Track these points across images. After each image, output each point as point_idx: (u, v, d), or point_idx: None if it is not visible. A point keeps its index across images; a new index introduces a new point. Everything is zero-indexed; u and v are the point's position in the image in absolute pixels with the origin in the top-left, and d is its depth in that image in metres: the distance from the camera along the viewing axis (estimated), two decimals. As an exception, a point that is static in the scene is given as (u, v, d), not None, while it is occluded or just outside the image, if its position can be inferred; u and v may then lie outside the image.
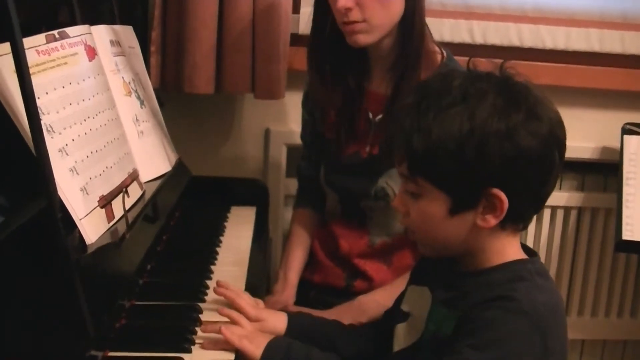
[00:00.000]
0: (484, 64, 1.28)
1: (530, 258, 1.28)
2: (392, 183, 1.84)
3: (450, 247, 1.27)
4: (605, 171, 2.64)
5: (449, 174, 1.18)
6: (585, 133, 2.60)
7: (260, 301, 1.53)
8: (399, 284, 1.79)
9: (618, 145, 2.43)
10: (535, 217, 2.58)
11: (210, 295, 1.53)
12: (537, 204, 1.26)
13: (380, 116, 1.89)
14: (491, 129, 1.15)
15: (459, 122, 1.15)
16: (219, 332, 1.35)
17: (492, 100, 1.17)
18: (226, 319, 1.43)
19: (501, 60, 1.27)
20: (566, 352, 1.24)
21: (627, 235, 2.23)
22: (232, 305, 1.48)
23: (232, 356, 1.33)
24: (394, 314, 1.43)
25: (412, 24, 1.78)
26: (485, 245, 1.25)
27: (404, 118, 1.22)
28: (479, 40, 2.48)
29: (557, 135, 1.20)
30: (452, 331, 1.21)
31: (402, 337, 1.37)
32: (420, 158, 1.19)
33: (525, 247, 1.30)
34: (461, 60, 1.90)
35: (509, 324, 1.15)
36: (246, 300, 1.49)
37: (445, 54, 1.88)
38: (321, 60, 1.90)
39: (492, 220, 1.20)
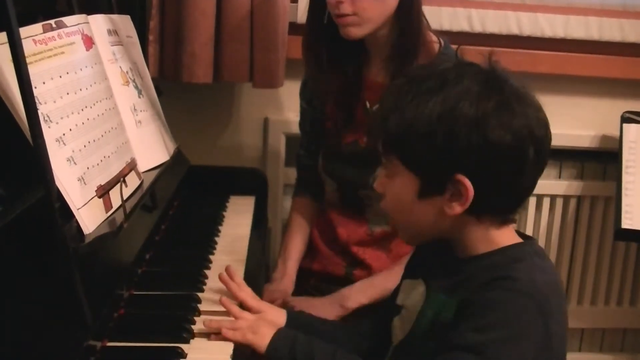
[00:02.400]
0: (471, 53, 1.29)
1: (526, 241, 1.29)
2: (390, 172, 1.84)
3: (422, 232, 1.29)
4: (604, 159, 2.65)
5: (419, 156, 1.20)
6: (584, 121, 2.60)
7: (257, 297, 1.53)
8: (399, 267, 1.77)
9: (617, 133, 2.43)
10: (534, 205, 2.62)
11: (209, 284, 1.54)
12: (512, 199, 1.25)
13: (377, 106, 1.88)
14: (460, 114, 1.16)
15: (431, 106, 1.17)
16: (220, 331, 1.35)
17: (466, 87, 1.18)
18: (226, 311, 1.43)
19: (489, 50, 1.27)
20: (566, 333, 1.25)
21: (626, 223, 2.23)
22: (233, 297, 1.48)
23: (230, 346, 1.33)
24: (390, 309, 1.43)
25: (409, 14, 1.78)
26: (466, 235, 1.25)
27: (385, 98, 1.26)
28: (477, 28, 2.48)
29: (532, 132, 1.18)
30: (453, 316, 1.21)
31: (398, 330, 1.37)
32: (394, 137, 1.23)
33: (519, 234, 1.31)
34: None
35: (510, 305, 1.16)
36: (247, 293, 1.50)
37: (442, 42, 1.88)
38: (318, 49, 1.90)
39: (457, 208, 1.20)
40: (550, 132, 1.23)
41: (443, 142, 1.17)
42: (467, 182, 1.18)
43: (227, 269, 1.54)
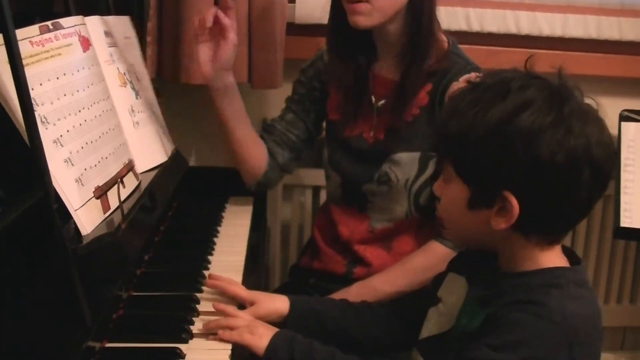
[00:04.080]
0: (537, 61, 1.26)
1: (572, 266, 1.26)
2: (396, 168, 1.85)
3: (470, 240, 1.29)
4: (603, 158, 2.64)
5: (471, 163, 1.19)
6: (583, 120, 2.59)
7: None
8: (396, 270, 1.80)
9: (616, 132, 2.42)
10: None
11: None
12: (562, 220, 1.22)
13: (383, 101, 1.89)
14: (516, 125, 1.14)
15: (491, 114, 1.16)
16: (217, 333, 1.36)
17: (527, 99, 1.16)
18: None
19: (558, 66, 1.24)
20: None
21: (625, 222, 2.22)
22: (225, 293, 1.48)
23: (229, 346, 1.33)
24: (429, 297, 1.41)
25: (420, 11, 1.78)
26: (512, 251, 1.24)
27: (452, 103, 1.25)
28: (475, 27, 2.48)
29: (590, 152, 1.15)
30: (478, 327, 1.21)
31: (432, 322, 1.37)
32: (450, 141, 1.22)
33: (570, 254, 1.28)
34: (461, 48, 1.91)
35: (531, 329, 1.14)
36: (238, 286, 1.50)
37: (451, 42, 1.89)
38: (336, 37, 1.92)
39: (502, 224, 1.18)
40: (612, 154, 1.20)
41: (496, 152, 1.15)
42: (514, 200, 1.16)
43: (209, 276, 1.55)
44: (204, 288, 1.53)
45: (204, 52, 1.86)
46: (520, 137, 1.13)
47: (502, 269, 1.27)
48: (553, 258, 1.24)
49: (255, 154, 2.01)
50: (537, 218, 1.18)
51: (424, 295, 1.47)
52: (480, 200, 1.20)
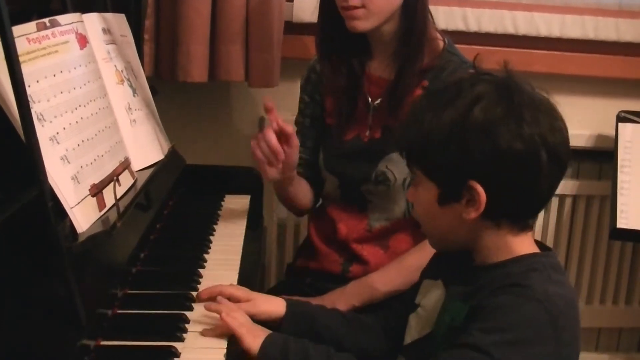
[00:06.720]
0: (486, 55, 1.32)
1: (544, 252, 1.30)
2: (392, 167, 1.85)
3: (447, 238, 1.32)
4: (600, 159, 2.65)
5: (436, 164, 1.24)
6: (580, 121, 2.59)
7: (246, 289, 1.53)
8: (392, 269, 1.81)
9: (613, 133, 2.43)
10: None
11: (204, 284, 1.53)
12: (529, 204, 1.26)
13: (378, 101, 1.89)
14: (471, 121, 1.19)
15: (446, 115, 1.21)
16: (219, 315, 1.36)
17: (477, 95, 1.21)
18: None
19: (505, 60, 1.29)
20: (579, 347, 1.25)
21: (621, 223, 2.23)
22: (222, 295, 1.47)
23: (224, 344, 1.33)
24: (407, 305, 1.44)
25: (414, 10, 1.79)
26: (487, 242, 1.27)
27: (410, 112, 1.30)
28: (473, 27, 2.48)
29: (545, 138, 1.20)
30: (463, 319, 1.23)
31: (414, 328, 1.39)
32: (414, 149, 1.27)
33: (539, 244, 1.32)
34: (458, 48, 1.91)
35: (519, 309, 1.17)
36: (234, 286, 1.50)
37: (446, 41, 1.89)
38: (327, 41, 1.92)
39: (472, 213, 1.23)
40: (567, 139, 1.25)
41: (456, 150, 1.20)
42: (479, 188, 1.20)
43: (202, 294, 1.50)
44: (199, 286, 1.52)
45: (272, 172, 1.80)
46: (477, 131, 1.19)
47: (478, 263, 1.30)
48: (527, 246, 1.28)
49: (306, 195, 2.05)
50: (504, 203, 1.23)
51: (403, 304, 1.49)
52: (450, 195, 1.24)
